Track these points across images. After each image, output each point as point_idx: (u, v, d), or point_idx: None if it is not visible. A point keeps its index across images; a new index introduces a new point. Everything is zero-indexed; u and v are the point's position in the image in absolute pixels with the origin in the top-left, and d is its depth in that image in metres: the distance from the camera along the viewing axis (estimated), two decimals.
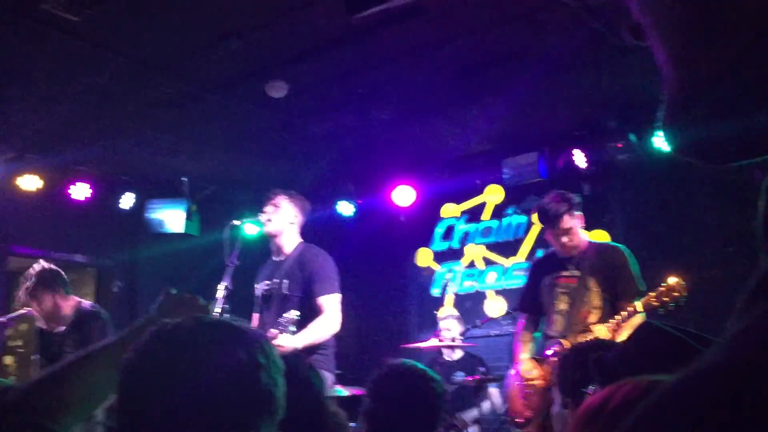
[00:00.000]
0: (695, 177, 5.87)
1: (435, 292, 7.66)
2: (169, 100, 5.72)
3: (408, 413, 2.44)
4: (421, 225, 7.78)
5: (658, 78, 0.48)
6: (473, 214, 7.62)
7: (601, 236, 6.55)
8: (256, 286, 4.74)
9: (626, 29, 0.52)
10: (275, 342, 3.96)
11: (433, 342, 5.62)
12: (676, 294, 3.69)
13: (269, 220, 4.60)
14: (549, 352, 4.08)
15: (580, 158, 6.39)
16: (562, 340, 4.05)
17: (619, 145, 6.20)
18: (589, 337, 3.83)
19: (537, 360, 4.20)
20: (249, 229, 5.21)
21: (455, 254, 7.66)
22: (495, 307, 7.19)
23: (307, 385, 2.14)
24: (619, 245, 4.42)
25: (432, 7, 4.38)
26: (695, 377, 0.34)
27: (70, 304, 5.10)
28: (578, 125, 6.40)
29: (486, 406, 6.07)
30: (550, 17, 4.52)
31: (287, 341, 4.03)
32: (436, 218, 7.83)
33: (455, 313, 6.71)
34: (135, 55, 4.97)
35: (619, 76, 5.14)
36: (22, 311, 5.36)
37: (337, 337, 4.55)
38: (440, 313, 6.56)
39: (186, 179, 7.55)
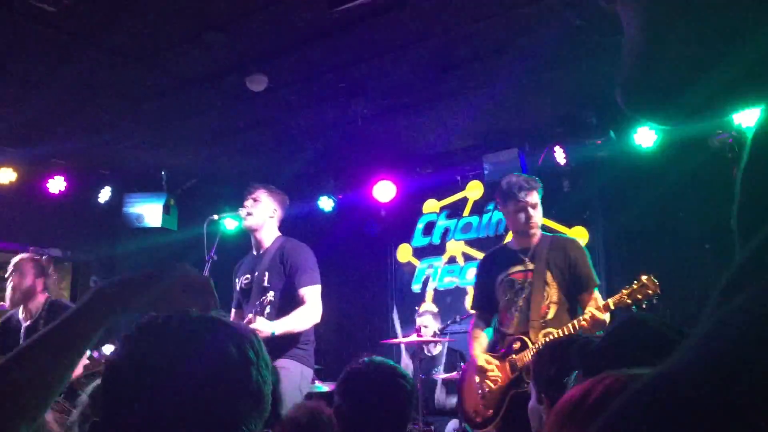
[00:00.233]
0: (675, 173, 5.92)
1: (415, 287, 7.67)
2: (148, 93, 5.66)
3: (377, 410, 2.42)
4: (401, 220, 7.79)
5: None
6: (454, 210, 7.64)
7: (579, 233, 6.60)
8: (235, 280, 4.72)
9: None
10: (252, 325, 3.96)
11: (413, 338, 5.63)
12: (649, 292, 3.61)
13: (249, 214, 4.58)
14: (516, 346, 3.94)
15: (560, 154, 6.43)
16: (524, 337, 3.93)
17: (599, 142, 6.24)
18: (552, 334, 3.78)
19: (494, 356, 4.03)
20: (228, 223, 5.18)
21: (436, 250, 7.67)
22: None
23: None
24: (572, 237, 4.38)
25: (412, 2, 4.37)
26: (662, 379, 0.33)
27: (42, 297, 5.05)
28: (558, 122, 6.43)
29: None
30: (531, 13, 4.53)
31: (264, 326, 4.03)
32: (417, 214, 7.84)
33: (433, 309, 6.73)
34: (113, 47, 4.91)
35: (600, 72, 5.16)
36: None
37: (317, 332, 4.54)
38: (420, 309, 6.58)
39: (165, 173, 7.49)
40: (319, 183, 7.71)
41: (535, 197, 4.06)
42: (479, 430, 3.99)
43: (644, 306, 3.62)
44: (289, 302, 4.30)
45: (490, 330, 4.25)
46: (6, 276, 5.01)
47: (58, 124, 6.22)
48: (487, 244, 7.37)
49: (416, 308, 6.57)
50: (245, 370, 1.21)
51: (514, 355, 3.93)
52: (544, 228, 4.25)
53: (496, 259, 4.27)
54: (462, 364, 5.93)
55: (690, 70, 0.43)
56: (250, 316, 4.10)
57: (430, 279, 7.38)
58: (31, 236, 7.42)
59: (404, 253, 7.87)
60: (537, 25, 4.66)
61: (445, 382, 6.17)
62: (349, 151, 7.16)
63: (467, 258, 7.47)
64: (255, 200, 4.62)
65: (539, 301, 3.94)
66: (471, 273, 7.45)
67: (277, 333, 4.08)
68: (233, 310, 4.72)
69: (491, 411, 3.94)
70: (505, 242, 4.46)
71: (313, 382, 4.65)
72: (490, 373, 3.95)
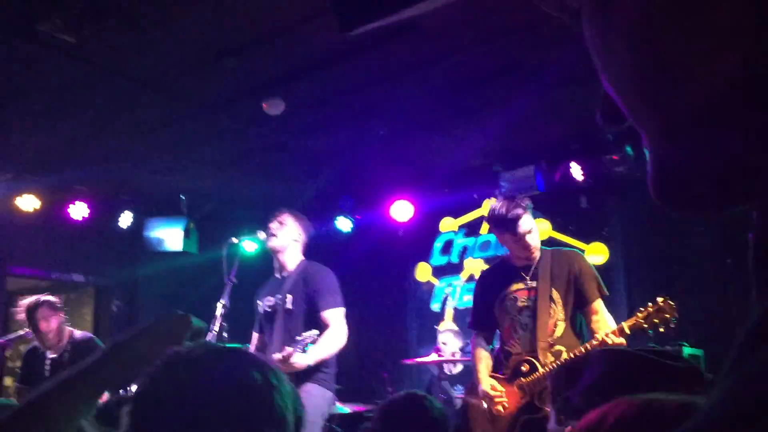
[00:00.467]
0: None
1: (435, 306, 7.65)
2: (166, 119, 5.74)
3: None
4: (419, 240, 7.78)
5: None
6: (471, 228, 7.63)
7: (599, 249, 6.56)
8: (258, 302, 4.73)
9: (600, 113, 0.52)
10: (292, 360, 4.03)
11: (433, 357, 5.61)
12: (666, 315, 3.41)
13: (273, 235, 4.62)
14: (524, 368, 3.75)
15: (577, 171, 6.41)
16: (533, 359, 3.73)
17: (616, 158, 6.22)
18: (563, 354, 3.61)
19: (501, 380, 3.83)
20: (247, 246, 5.22)
21: (454, 268, 7.66)
22: None
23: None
24: (574, 249, 4.20)
25: (426, 23, 4.40)
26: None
27: (67, 332, 5.25)
28: (575, 138, 6.42)
29: None
30: (546, 31, 4.54)
31: (301, 359, 4.10)
32: (435, 233, 7.83)
33: (454, 327, 6.70)
34: (132, 75, 4.99)
35: None
36: (20, 332, 5.39)
37: (337, 353, 4.54)
38: (440, 327, 6.56)
39: (184, 197, 7.56)
40: (337, 204, 7.74)
41: (529, 222, 3.85)
42: None
43: (661, 330, 3.45)
44: (312, 325, 4.31)
45: (491, 348, 4.10)
46: (28, 326, 5.16)
47: (80, 152, 6.32)
48: None
49: (436, 327, 6.55)
50: (268, 396, 1.22)
51: (522, 379, 3.73)
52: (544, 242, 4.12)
53: (496, 276, 4.09)
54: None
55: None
56: (290, 349, 4.11)
57: (449, 298, 7.36)
58: (54, 262, 7.52)
59: (423, 272, 7.86)
60: (552, 43, 4.68)
61: None
62: (366, 171, 7.19)
63: None
64: (281, 223, 4.66)
65: (545, 319, 3.77)
66: None
67: (311, 364, 4.16)
68: (255, 335, 4.74)
69: None
70: (505, 255, 4.22)
71: (333, 404, 4.65)
72: (498, 399, 3.75)
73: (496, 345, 4.08)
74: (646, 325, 3.46)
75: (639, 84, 0.44)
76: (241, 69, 4.86)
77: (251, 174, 7.17)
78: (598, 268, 6.43)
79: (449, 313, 7.43)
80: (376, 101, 5.59)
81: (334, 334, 4.32)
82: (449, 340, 6.29)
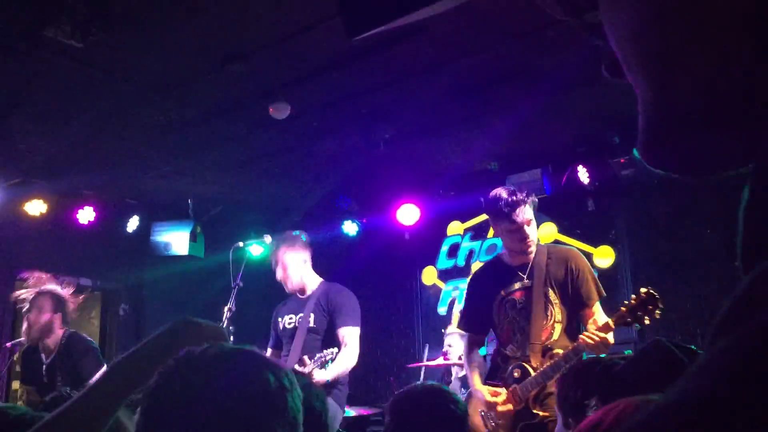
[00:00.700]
0: (700, 192, 5.86)
1: (441, 310, 7.64)
2: (173, 124, 5.75)
3: None
4: (426, 243, 7.78)
5: None
6: (478, 232, 7.62)
7: (606, 252, 6.54)
8: (278, 320, 4.77)
9: (604, 66, 0.52)
10: (313, 376, 4.15)
11: (440, 361, 5.60)
12: (649, 307, 3.28)
13: (285, 283, 4.71)
14: (516, 374, 3.59)
15: (583, 174, 6.40)
16: (524, 363, 3.58)
17: (623, 161, 6.21)
18: (555, 358, 3.47)
19: (497, 386, 3.66)
20: (254, 250, 5.23)
21: (461, 272, 7.65)
22: None
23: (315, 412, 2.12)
24: (573, 247, 4.02)
25: (433, 27, 4.41)
26: (661, 411, 0.33)
27: (60, 331, 4.99)
28: (581, 141, 6.41)
29: None
30: (553, 35, 4.54)
31: (320, 375, 4.23)
32: (441, 236, 7.83)
33: (460, 331, 6.68)
34: (139, 80, 5.01)
35: (622, 91, 5.15)
36: (16, 341, 5.33)
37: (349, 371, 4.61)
38: (446, 331, 6.55)
39: (191, 201, 7.58)
40: (343, 208, 7.75)
41: (528, 213, 3.63)
42: None
43: (647, 322, 3.33)
44: (332, 344, 4.43)
45: (483, 350, 3.97)
46: (24, 311, 4.94)
47: (87, 157, 6.34)
48: None
49: (443, 331, 6.54)
50: (282, 397, 1.22)
51: (516, 385, 3.57)
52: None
53: (491, 276, 3.87)
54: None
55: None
56: (310, 363, 4.24)
57: (456, 301, 7.35)
58: (61, 266, 7.54)
59: (429, 275, 7.85)
60: (558, 46, 4.67)
61: None
62: (373, 175, 7.19)
63: None
64: (283, 265, 4.69)
65: (541, 322, 3.59)
66: None
67: (330, 380, 4.28)
68: (269, 350, 4.75)
69: None
70: (499, 254, 4.02)
71: (339, 421, 4.69)
72: (498, 407, 3.57)
73: (489, 349, 3.99)
74: (630, 319, 3.33)
75: (643, 40, 0.45)
76: (247, 73, 4.87)
77: (258, 178, 7.18)
78: (605, 270, 6.48)
79: (456, 317, 7.41)
80: (382, 105, 5.60)
81: (349, 353, 4.43)
82: (455, 343, 6.28)
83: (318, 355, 4.30)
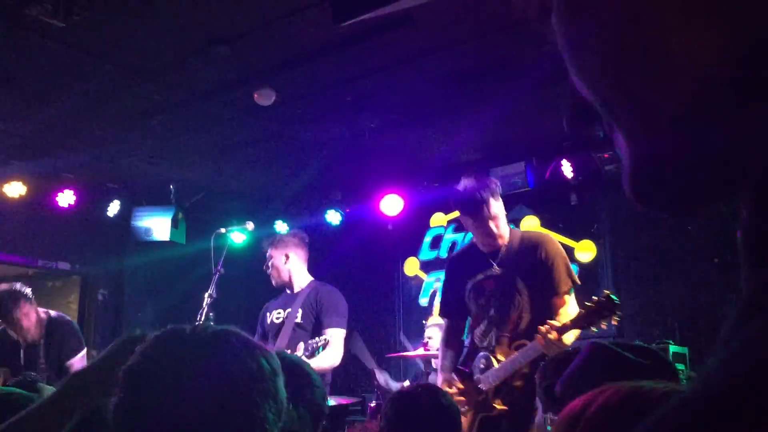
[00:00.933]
0: None
1: (423, 301, 7.65)
2: (156, 107, 5.69)
3: None
4: (409, 234, 7.78)
5: None
6: (461, 224, 7.62)
7: (588, 246, 6.57)
8: (266, 314, 4.83)
9: (567, 120, 0.51)
10: None
11: (420, 351, 5.60)
12: (606, 313, 3.16)
13: (271, 276, 4.82)
14: (482, 364, 3.56)
15: (567, 168, 6.42)
16: (490, 354, 3.54)
17: (606, 155, 6.23)
18: (517, 351, 3.41)
19: (462, 376, 3.62)
20: (235, 237, 5.20)
21: (443, 263, 7.62)
22: None
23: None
24: (548, 233, 3.96)
25: (419, 17, 4.39)
26: (678, 410, 0.33)
27: (42, 314, 5.01)
28: (566, 135, 6.42)
29: None
30: (539, 27, 4.53)
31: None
32: (425, 227, 7.83)
33: (439, 321, 6.69)
34: (122, 62, 4.94)
35: None
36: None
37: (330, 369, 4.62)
38: (427, 322, 6.56)
39: (173, 187, 7.52)
40: (327, 196, 7.72)
41: (494, 206, 3.58)
42: None
43: (603, 327, 3.22)
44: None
45: (465, 337, 3.89)
46: (10, 320, 4.85)
47: (67, 139, 6.26)
48: None
49: (424, 321, 6.54)
50: (273, 381, 1.22)
51: (479, 375, 3.54)
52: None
53: (464, 263, 3.84)
54: None
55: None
56: (301, 351, 4.28)
57: (438, 293, 7.36)
58: (40, 250, 7.46)
59: (412, 266, 7.85)
60: (543, 38, 4.66)
61: None
62: (357, 164, 7.17)
63: None
64: (269, 258, 4.82)
65: (508, 311, 3.52)
66: None
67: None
68: None
69: None
70: (470, 243, 3.98)
71: None
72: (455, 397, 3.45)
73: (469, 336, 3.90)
74: (585, 323, 3.22)
75: (617, 79, 0.43)
76: (232, 58, 4.82)
77: (241, 164, 7.13)
78: (587, 265, 6.51)
79: (437, 308, 7.43)
80: (367, 94, 5.57)
81: (333, 352, 4.47)
82: (435, 335, 6.28)
83: (309, 342, 4.35)
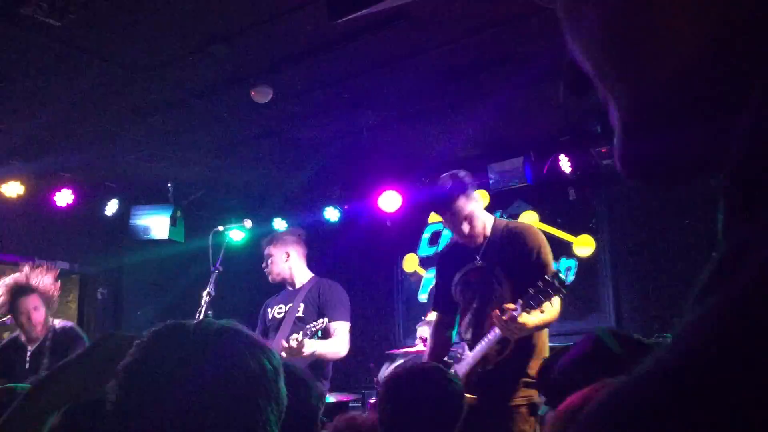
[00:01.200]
0: None
1: (422, 297, 7.65)
2: (154, 106, 5.68)
3: (426, 418, 2.26)
4: (407, 230, 7.78)
5: None
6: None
7: (586, 241, 6.57)
8: (267, 310, 4.83)
9: (564, 85, 0.51)
10: (302, 344, 4.14)
11: (420, 347, 5.61)
12: (551, 291, 3.14)
13: (269, 273, 4.81)
14: (458, 356, 3.58)
15: (565, 163, 6.42)
16: (469, 344, 3.56)
17: (604, 150, 6.23)
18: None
19: (442, 363, 3.49)
20: (234, 235, 5.19)
21: None
22: None
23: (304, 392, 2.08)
24: (530, 224, 3.92)
25: (416, 13, 4.38)
26: (640, 380, 0.33)
27: (49, 320, 4.97)
28: (564, 130, 6.42)
29: None
30: (537, 22, 4.53)
31: (309, 346, 4.21)
32: (423, 224, 7.83)
33: (432, 319, 6.71)
34: (119, 60, 4.93)
35: None
36: (3, 319, 5.29)
37: (335, 359, 4.63)
38: (426, 318, 6.56)
39: (171, 185, 7.51)
40: (325, 193, 7.72)
41: (467, 205, 3.57)
42: None
43: (552, 306, 3.22)
44: (322, 334, 4.46)
45: (454, 332, 3.88)
46: (8, 311, 4.86)
47: (65, 138, 6.25)
48: None
49: (423, 318, 6.54)
50: (275, 381, 1.20)
51: (456, 365, 3.54)
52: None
53: (452, 256, 3.85)
54: None
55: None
56: (297, 335, 4.20)
57: None
58: (38, 249, 7.45)
59: (410, 263, 7.86)
60: (542, 34, 4.66)
61: None
62: (355, 161, 7.16)
63: None
64: (269, 257, 4.81)
65: (490, 303, 3.50)
66: None
67: (317, 353, 4.29)
68: None
69: None
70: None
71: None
72: None
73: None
74: (534, 302, 3.17)
75: (614, 51, 0.44)
76: (229, 56, 4.82)
77: (239, 162, 7.13)
78: (585, 259, 6.51)
79: None
80: (365, 91, 5.56)
81: (340, 341, 4.48)
82: (425, 333, 6.29)
83: (307, 326, 4.33)
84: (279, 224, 7.55)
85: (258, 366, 1.19)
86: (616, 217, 6.59)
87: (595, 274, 6.49)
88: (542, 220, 6.73)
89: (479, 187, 7.25)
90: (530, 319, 3.22)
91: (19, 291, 4.79)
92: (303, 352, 4.16)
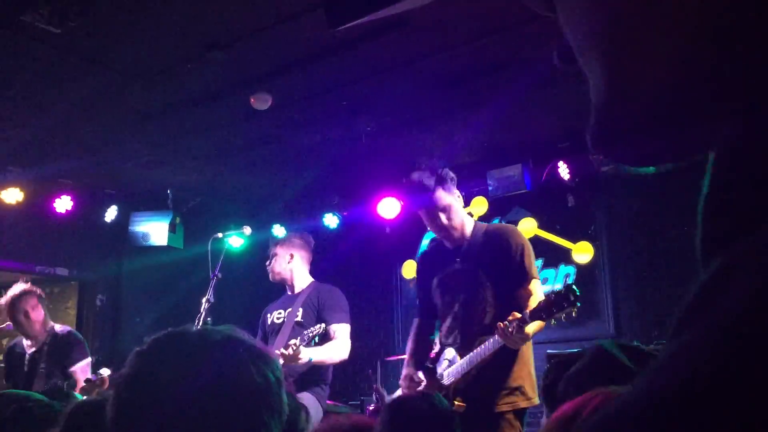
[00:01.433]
0: (679, 187, 5.89)
1: None
2: (153, 112, 5.69)
3: None
4: (406, 237, 7.77)
5: None
6: None
7: (585, 248, 6.57)
8: (266, 315, 4.84)
9: (556, 53, 0.52)
10: (298, 351, 4.12)
11: None
12: (566, 305, 3.05)
13: (270, 271, 4.82)
14: (445, 362, 3.50)
15: (564, 170, 6.42)
16: (454, 350, 3.49)
17: (603, 157, 6.22)
18: (480, 345, 3.32)
19: (426, 369, 3.55)
20: (233, 241, 5.20)
21: None
22: None
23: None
24: (511, 225, 3.89)
25: (415, 20, 4.39)
26: (622, 409, 0.33)
27: (48, 324, 5.16)
28: (562, 137, 6.43)
29: None
30: (535, 28, 4.54)
31: (305, 353, 4.20)
32: (422, 230, 7.82)
33: None
34: (118, 67, 4.95)
35: None
36: (2, 326, 5.33)
37: (336, 363, 4.63)
38: None
39: (170, 192, 7.51)
40: (324, 200, 7.72)
41: (444, 197, 3.48)
42: None
43: (563, 319, 3.14)
44: (319, 339, 4.46)
45: (435, 336, 3.79)
46: (9, 317, 5.05)
47: (64, 144, 6.26)
48: None
49: None
50: (278, 393, 1.18)
51: (443, 371, 3.48)
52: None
53: (431, 259, 3.78)
54: None
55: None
56: (294, 341, 4.18)
57: None
58: (37, 255, 7.45)
59: (409, 269, 7.85)
60: (540, 40, 4.68)
61: None
62: (354, 168, 7.17)
63: None
64: (274, 256, 4.83)
65: (473, 306, 3.44)
66: None
67: (314, 360, 4.27)
68: None
69: None
70: (438, 239, 3.88)
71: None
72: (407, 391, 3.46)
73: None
74: (544, 314, 3.11)
75: (596, 32, 0.45)
76: (228, 63, 4.83)
77: (238, 169, 7.13)
78: (584, 266, 6.51)
79: None
80: (364, 97, 5.57)
81: (339, 344, 4.47)
82: None
83: (305, 332, 4.32)
84: (278, 231, 7.55)
85: (262, 379, 1.16)
86: (614, 223, 6.59)
87: (594, 280, 6.49)
88: (541, 226, 6.73)
89: (478, 193, 7.29)
90: (531, 328, 3.20)
91: (20, 295, 5.00)
92: (300, 360, 4.16)
